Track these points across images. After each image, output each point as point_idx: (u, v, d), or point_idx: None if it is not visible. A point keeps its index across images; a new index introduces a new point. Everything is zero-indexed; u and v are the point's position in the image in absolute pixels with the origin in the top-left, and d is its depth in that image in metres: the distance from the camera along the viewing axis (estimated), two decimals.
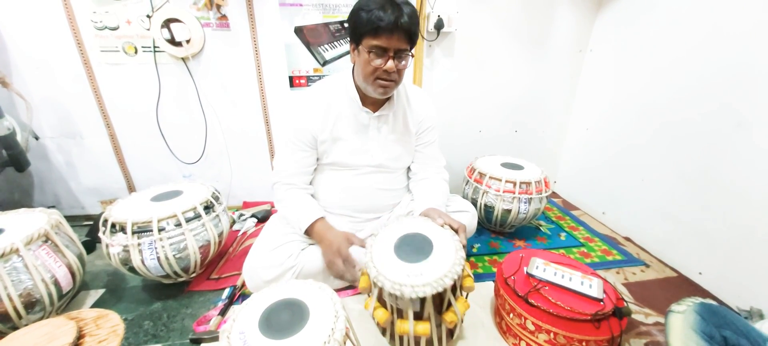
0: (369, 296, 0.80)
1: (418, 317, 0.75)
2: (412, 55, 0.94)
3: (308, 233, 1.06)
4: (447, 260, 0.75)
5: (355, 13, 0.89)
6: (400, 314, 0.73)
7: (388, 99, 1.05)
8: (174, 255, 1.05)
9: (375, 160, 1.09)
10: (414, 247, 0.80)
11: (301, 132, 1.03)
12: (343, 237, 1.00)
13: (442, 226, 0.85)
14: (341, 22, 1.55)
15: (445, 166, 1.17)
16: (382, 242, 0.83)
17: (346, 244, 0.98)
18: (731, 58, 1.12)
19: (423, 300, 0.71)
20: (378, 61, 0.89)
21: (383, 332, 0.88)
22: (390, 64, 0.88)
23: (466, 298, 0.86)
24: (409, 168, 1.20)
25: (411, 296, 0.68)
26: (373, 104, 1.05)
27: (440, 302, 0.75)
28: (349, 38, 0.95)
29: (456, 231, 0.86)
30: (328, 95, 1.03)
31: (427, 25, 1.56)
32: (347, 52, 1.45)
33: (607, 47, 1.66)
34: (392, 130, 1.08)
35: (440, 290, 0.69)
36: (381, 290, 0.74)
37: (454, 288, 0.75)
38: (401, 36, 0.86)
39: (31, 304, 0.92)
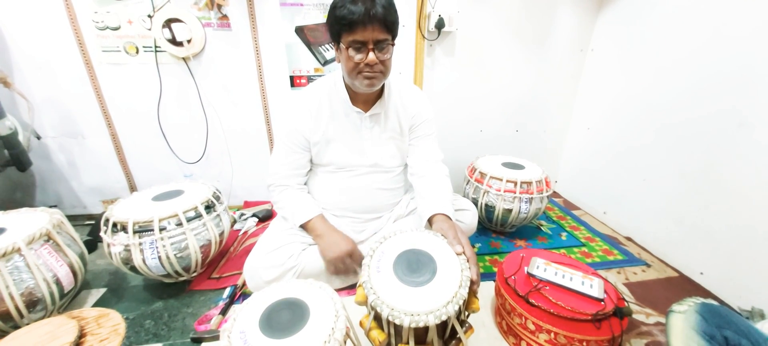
0: (367, 313, 0.75)
1: (421, 342, 0.69)
2: (393, 44, 0.92)
3: (304, 228, 1.07)
4: (452, 284, 0.69)
5: (330, 13, 0.89)
6: (399, 337, 0.68)
7: (379, 98, 1.05)
8: (175, 254, 1.06)
9: (369, 160, 1.09)
10: (415, 266, 0.73)
11: (292, 134, 1.04)
12: (350, 240, 1.05)
13: (459, 254, 0.76)
14: None
15: (443, 161, 1.14)
16: (381, 260, 0.76)
17: (353, 245, 1.04)
18: (733, 58, 1.12)
19: (425, 327, 0.66)
20: (358, 56, 0.88)
21: None
22: (371, 56, 0.87)
23: (468, 317, 0.80)
24: (407, 165, 1.19)
25: (411, 326, 0.62)
26: (365, 103, 1.04)
27: (444, 327, 0.70)
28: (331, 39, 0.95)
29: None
30: (319, 96, 1.03)
31: (427, 25, 1.55)
32: None
33: (608, 47, 1.65)
34: (385, 129, 1.08)
35: (444, 318, 0.64)
36: (378, 313, 0.68)
37: (458, 311, 0.68)
38: (376, 26, 0.85)
39: (32, 303, 0.92)
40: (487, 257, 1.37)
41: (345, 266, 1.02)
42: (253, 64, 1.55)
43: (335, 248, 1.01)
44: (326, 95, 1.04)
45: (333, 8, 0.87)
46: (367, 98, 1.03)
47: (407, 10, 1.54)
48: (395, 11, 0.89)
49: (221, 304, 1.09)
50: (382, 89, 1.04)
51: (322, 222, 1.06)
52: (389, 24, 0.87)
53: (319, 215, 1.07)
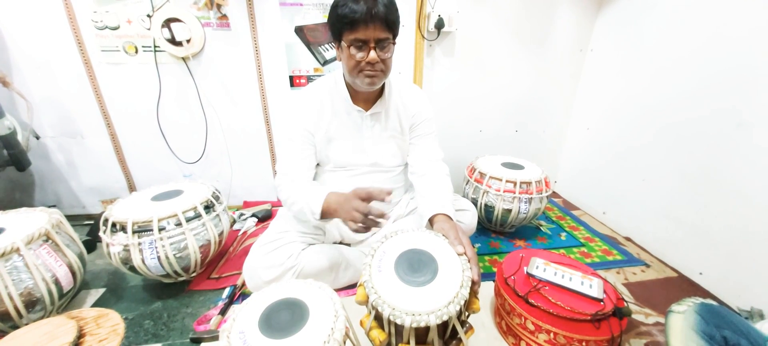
0: (368, 313, 0.75)
1: (421, 342, 0.69)
2: (394, 43, 0.92)
3: (324, 215, 0.94)
4: (453, 284, 0.69)
5: (331, 11, 0.89)
6: (400, 337, 0.68)
7: (380, 97, 1.05)
8: (174, 254, 1.05)
9: (370, 159, 1.09)
10: (417, 266, 0.73)
11: (298, 131, 1.03)
12: (352, 191, 0.89)
13: (460, 255, 0.76)
14: None
15: (443, 160, 1.14)
16: (382, 260, 0.76)
17: (356, 191, 0.88)
18: (732, 59, 1.12)
19: (426, 327, 0.66)
20: (360, 55, 0.88)
21: None
22: (372, 55, 0.88)
23: (468, 317, 0.79)
24: (407, 165, 1.19)
25: (413, 326, 0.63)
26: (365, 102, 1.04)
27: (444, 327, 0.70)
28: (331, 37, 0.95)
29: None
30: (321, 94, 1.04)
31: (427, 25, 1.55)
32: None
33: (608, 47, 1.65)
34: (385, 127, 1.08)
35: (445, 319, 0.64)
36: (379, 313, 0.68)
37: (459, 311, 0.69)
38: (378, 25, 0.86)
39: (31, 303, 0.92)
40: (486, 257, 1.37)
41: (362, 212, 0.84)
42: (252, 64, 1.55)
43: (347, 207, 0.87)
44: (328, 93, 1.04)
45: (334, 7, 0.88)
46: (367, 97, 1.04)
47: (407, 10, 1.54)
48: (396, 10, 0.90)
49: (220, 304, 1.09)
50: (382, 88, 1.04)
51: (333, 197, 0.93)
52: (390, 23, 0.88)
53: (328, 193, 0.94)
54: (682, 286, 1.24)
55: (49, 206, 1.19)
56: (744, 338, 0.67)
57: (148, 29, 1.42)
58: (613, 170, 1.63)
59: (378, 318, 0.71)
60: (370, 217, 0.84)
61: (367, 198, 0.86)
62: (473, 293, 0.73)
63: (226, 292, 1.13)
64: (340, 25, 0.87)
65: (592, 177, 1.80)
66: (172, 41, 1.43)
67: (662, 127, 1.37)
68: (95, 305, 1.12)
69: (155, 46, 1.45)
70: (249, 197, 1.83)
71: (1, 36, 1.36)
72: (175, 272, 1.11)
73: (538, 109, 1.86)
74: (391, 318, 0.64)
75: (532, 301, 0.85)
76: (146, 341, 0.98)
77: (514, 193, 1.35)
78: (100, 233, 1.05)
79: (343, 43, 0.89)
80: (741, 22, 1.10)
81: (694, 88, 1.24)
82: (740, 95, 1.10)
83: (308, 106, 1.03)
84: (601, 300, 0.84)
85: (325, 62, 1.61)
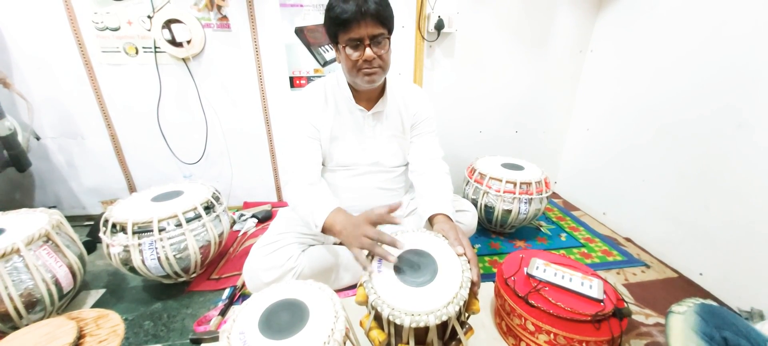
0: (367, 314, 0.75)
1: (421, 342, 0.69)
2: (389, 38, 0.92)
3: (325, 230, 0.90)
4: (452, 285, 0.69)
5: (325, 14, 0.90)
6: (399, 337, 0.68)
7: (381, 96, 1.05)
8: (174, 255, 1.05)
9: (371, 159, 1.09)
10: (417, 267, 0.73)
11: (304, 126, 1.02)
12: (361, 215, 0.84)
13: (460, 256, 0.76)
14: None
15: (443, 158, 1.13)
16: (382, 260, 0.75)
17: (363, 215, 0.83)
18: (732, 58, 1.12)
19: (425, 328, 0.66)
20: (356, 54, 0.89)
21: None
22: (368, 52, 0.88)
23: (468, 318, 0.79)
24: (408, 166, 1.18)
25: (412, 326, 0.63)
26: (367, 101, 1.04)
27: (444, 328, 0.70)
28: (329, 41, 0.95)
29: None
30: (325, 92, 1.04)
31: (427, 26, 1.56)
32: None
33: (608, 48, 1.65)
34: (387, 127, 1.08)
35: (445, 319, 0.64)
36: (379, 313, 0.67)
37: (458, 312, 0.68)
38: (370, 22, 0.85)
39: (31, 304, 0.92)
40: (486, 258, 1.37)
41: (372, 238, 0.78)
42: (252, 65, 1.56)
43: (355, 233, 0.81)
44: (331, 92, 1.04)
45: (328, 10, 0.88)
46: (369, 96, 1.04)
47: (407, 12, 1.54)
48: (388, 5, 0.89)
49: (220, 305, 1.09)
50: (384, 88, 1.04)
51: (340, 216, 0.89)
52: (383, 18, 0.87)
53: (335, 209, 0.90)
54: (682, 286, 1.24)
55: (50, 207, 1.20)
56: (744, 338, 0.67)
57: (149, 30, 1.42)
58: (613, 171, 1.63)
59: (377, 318, 0.71)
60: (380, 246, 0.77)
61: (378, 221, 0.81)
62: (473, 293, 0.73)
63: (226, 293, 1.13)
64: (334, 27, 0.88)
65: (592, 178, 1.80)
66: (173, 42, 1.43)
67: (662, 127, 1.37)
68: (95, 305, 1.12)
69: (155, 47, 1.45)
70: (249, 197, 1.83)
71: (2, 37, 1.37)
72: (175, 273, 1.11)
73: (538, 109, 1.86)
74: (391, 318, 0.64)
75: (532, 302, 0.85)
76: (146, 342, 0.98)
77: (514, 193, 1.35)
78: (100, 234, 1.05)
79: (340, 45, 0.90)
80: (741, 21, 1.10)
81: (694, 88, 1.24)
82: (740, 95, 1.10)
83: (313, 102, 1.03)
84: (601, 301, 0.84)
85: (326, 63, 1.61)
